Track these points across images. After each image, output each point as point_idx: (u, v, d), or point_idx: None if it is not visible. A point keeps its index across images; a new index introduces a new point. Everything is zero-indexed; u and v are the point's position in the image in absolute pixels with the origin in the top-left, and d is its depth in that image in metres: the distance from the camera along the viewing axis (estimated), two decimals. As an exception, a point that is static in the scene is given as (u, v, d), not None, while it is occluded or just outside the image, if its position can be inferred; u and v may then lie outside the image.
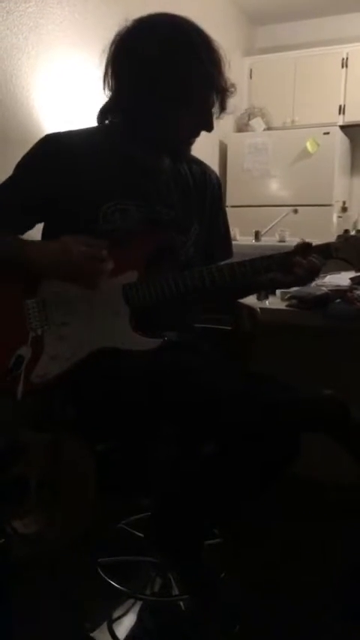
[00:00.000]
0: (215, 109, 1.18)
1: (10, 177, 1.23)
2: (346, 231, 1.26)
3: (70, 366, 1.18)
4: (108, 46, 1.17)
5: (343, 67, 4.22)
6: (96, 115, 1.24)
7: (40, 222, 1.27)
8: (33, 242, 1.20)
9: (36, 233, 1.29)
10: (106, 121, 1.24)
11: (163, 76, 1.11)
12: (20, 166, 1.23)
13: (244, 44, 4.60)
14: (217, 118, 1.20)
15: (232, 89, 1.17)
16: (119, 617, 1.41)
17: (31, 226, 1.26)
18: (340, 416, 1.28)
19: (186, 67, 1.11)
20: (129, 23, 1.16)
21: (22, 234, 1.24)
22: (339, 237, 1.21)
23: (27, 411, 1.28)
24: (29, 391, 1.17)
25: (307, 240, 1.22)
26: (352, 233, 1.25)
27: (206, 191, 1.35)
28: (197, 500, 1.22)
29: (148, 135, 1.20)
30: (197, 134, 1.22)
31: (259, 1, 4.41)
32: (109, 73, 1.18)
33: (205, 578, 1.38)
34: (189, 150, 1.26)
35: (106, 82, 1.19)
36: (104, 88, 1.20)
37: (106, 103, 1.22)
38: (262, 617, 1.37)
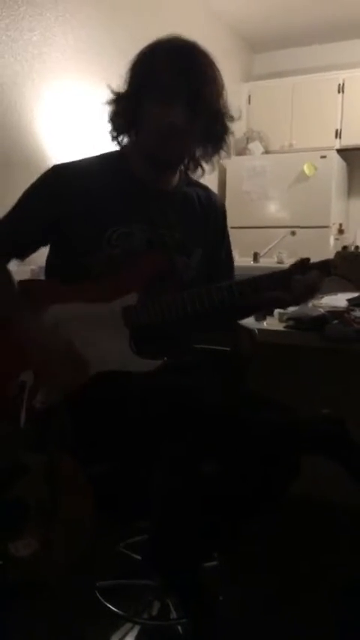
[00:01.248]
0: (217, 131, 1.21)
1: (16, 206, 1.26)
2: (345, 247, 1.26)
3: (72, 391, 1.18)
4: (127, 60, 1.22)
5: (339, 92, 4.31)
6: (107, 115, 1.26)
7: (46, 245, 1.30)
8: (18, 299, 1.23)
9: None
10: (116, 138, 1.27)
11: (140, 76, 1.17)
12: (26, 196, 1.26)
13: (242, 70, 4.70)
14: (216, 144, 1.23)
15: (232, 114, 1.21)
16: (117, 642, 1.39)
17: (35, 250, 1.29)
18: (339, 436, 1.28)
19: (154, 64, 1.16)
20: (151, 42, 1.21)
21: (25, 259, 1.27)
22: (337, 253, 1.20)
23: (26, 433, 1.29)
24: (31, 417, 1.18)
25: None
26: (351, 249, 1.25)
27: (210, 215, 1.37)
28: (196, 523, 1.21)
29: (140, 145, 1.23)
30: (177, 139, 1.19)
31: (258, 29, 4.53)
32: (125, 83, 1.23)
33: (203, 601, 1.37)
34: (177, 159, 1.26)
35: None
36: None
37: (114, 107, 1.25)
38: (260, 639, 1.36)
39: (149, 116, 1.18)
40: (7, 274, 1.25)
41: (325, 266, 1.18)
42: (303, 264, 1.18)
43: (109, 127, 1.25)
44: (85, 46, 2.93)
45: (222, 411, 1.11)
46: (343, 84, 4.29)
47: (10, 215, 1.25)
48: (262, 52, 4.87)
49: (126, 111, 1.21)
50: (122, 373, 1.18)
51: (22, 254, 1.28)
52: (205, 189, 1.39)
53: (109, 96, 1.23)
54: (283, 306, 1.69)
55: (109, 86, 1.23)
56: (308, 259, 1.19)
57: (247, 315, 1.55)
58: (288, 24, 4.39)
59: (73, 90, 2.86)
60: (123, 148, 1.27)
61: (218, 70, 1.20)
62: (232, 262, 1.45)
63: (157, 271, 1.23)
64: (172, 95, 1.15)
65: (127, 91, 1.21)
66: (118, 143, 1.27)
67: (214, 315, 1.28)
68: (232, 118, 1.23)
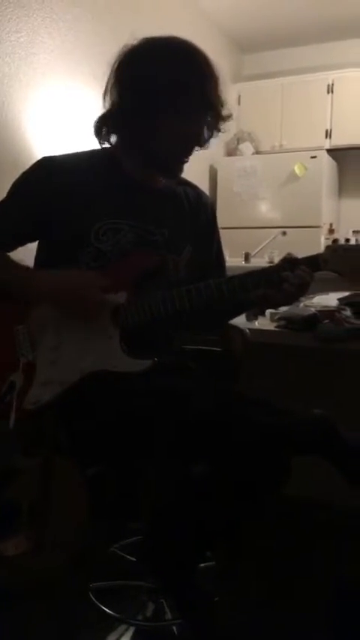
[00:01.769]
0: (211, 128, 1.20)
1: (5, 199, 1.25)
2: (335, 241, 1.24)
3: (62, 391, 1.18)
4: (113, 60, 1.20)
5: (328, 92, 4.33)
6: (92, 125, 1.25)
7: (34, 241, 1.29)
8: (42, 273, 1.23)
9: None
10: (99, 134, 1.25)
11: (160, 89, 1.13)
12: (15, 187, 1.25)
13: (232, 71, 4.71)
14: (212, 137, 1.22)
15: (228, 111, 1.20)
16: (112, 644, 1.39)
17: (22, 244, 1.28)
18: (330, 436, 1.28)
19: (182, 82, 1.14)
20: (135, 41, 1.19)
21: (12, 251, 1.26)
22: (327, 247, 1.18)
23: (19, 435, 1.28)
24: (22, 418, 1.17)
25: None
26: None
27: (200, 213, 1.37)
28: (190, 523, 1.21)
29: (142, 149, 1.21)
30: (189, 151, 1.22)
31: (247, 30, 4.54)
32: (109, 87, 1.21)
33: (198, 602, 1.37)
34: (181, 169, 1.27)
35: (107, 94, 1.21)
36: (104, 101, 1.22)
37: (104, 113, 1.23)
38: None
39: (166, 129, 1.17)
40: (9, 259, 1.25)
41: (314, 261, 1.16)
42: (291, 261, 1.16)
43: (98, 125, 1.24)
44: (72, 46, 2.93)
45: (213, 412, 1.11)
46: (333, 84, 4.32)
47: None
48: (252, 52, 4.89)
49: (131, 119, 1.18)
50: (112, 373, 1.18)
51: (10, 246, 1.26)
52: (194, 187, 1.39)
53: (111, 100, 1.21)
54: (274, 304, 1.68)
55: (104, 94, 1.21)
56: (296, 257, 1.18)
57: (238, 314, 1.54)
58: (277, 25, 4.41)
59: (60, 91, 2.85)
60: (112, 145, 1.26)
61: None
62: (224, 260, 1.45)
63: (146, 269, 1.23)
64: (191, 111, 1.16)
65: (132, 98, 1.16)
66: (106, 141, 1.26)
67: (203, 314, 1.28)
68: (230, 118, 1.23)
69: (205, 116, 1.19)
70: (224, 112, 1.20)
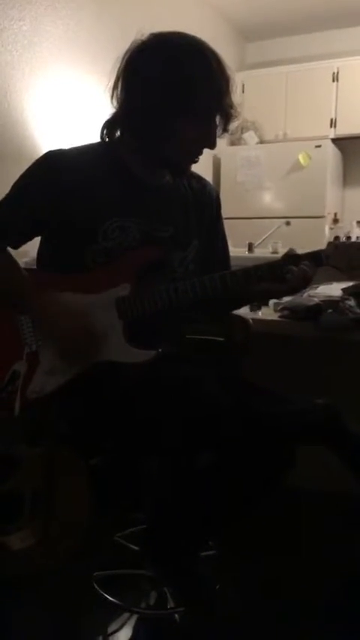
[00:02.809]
0: (219, 128, 1.19)
1: (11, 194, 1.24)
2: (337, 237, 1.25)
3: (65, 381, 1.19)
4: (120, 57, 1.17)
5: (333, 81, 4.29)
6: (100, 127, 1.24)
7: (39, 235, 1.28)
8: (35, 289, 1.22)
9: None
10: (108, 137, 1.24)
11: (172, 91, 1.11)
12: (21, 183, 1.24)
13: (236, 60, 4.67)
14: (219, 137, 1.21)
15: (237, 111, 1.19)
16: (114, 632, 1.40)
17: (28, 240, 1.28)
18: (334, 425, 1.28)
19: (196, 81, 1.12)
20: (144, 37, 1.16)
21: (18, 247, 1.26)
22: (329, 243, 1.20)
23: (22, 425, 1.28)
24: (25, 406, 1.18)
25: (300, 251, 1.22)
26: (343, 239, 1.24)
27: (205, 207, 1.36)
28: (192, 513, 1.22)
29: (152, 151, 1.20)
30: (200, 152, 1.22)
31: (251, 18, 4.49)
32: (118, 86, 1.18)
33: (200, 590, 1.38)
34: (190, 167, 1.27)
35: (115, 94, 1.19)
36: (111, 100, 1.20)
37: (113, 115, 1.22)
38: (259, 629, 1.37)
39: (178, 132, 1.15)
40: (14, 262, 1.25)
41: (317, 256, 1.19)
42: (294, 257, 1.18)
43: (109, 125, 1.22)
44: (75, 35, 2.91)
45: (217, 402, 1.11)
46: (338, 72, 4.27)
47: (4, 203, 1.23)
48: (256, 40, 4.84)
49: (143, 121, 1.16)
50: (117, 364, 1.18)
51: (18, 243, 1.26)
52: (200, 179, 1.38)
53: (120, 99, 1.18)
54: (277, 297, 1.69)
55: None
56: (296, 252, 1.20)
57: (241, 306, 1.55)
58: (281, 12, 4.36)
59: (63, 79, 2.84)
60: (115, 140, 1.25)
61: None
62: (228, 253, 1.45)
63: (150, 262, 1.22)
64: (205, 116, 1.16)
65: (143, 101, 1.14)
66: (110, 137, 1.24)
67: (207, 306, 1.28)
68: (237, 118, 1.22)
69: (217, 119, 1.18)
70: (233, 113, 1.19)
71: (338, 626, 1.38)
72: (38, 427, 1.29)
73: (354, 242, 1.22)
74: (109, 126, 1.23)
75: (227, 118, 1.18)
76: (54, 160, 1.22)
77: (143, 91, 1.14)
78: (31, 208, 1.21)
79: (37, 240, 1.30)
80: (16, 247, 1.26)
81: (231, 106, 1.17)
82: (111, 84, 1.19)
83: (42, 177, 1.21)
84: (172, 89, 1.11)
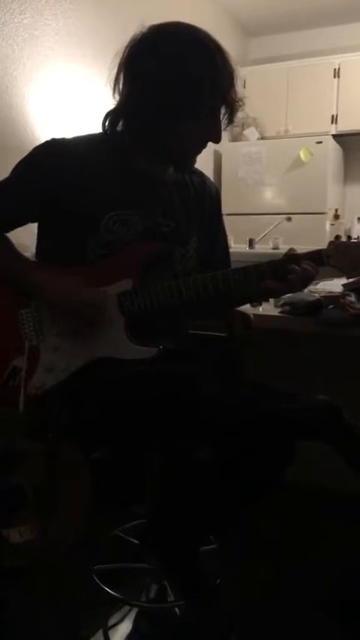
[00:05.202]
0: (223, 121, 1.18)
1: (10, 177, 1.22)
2: (337, 237, 1.26)
3: (66, 377, 1.18)
4: (121, 50, 1.15)
5: (335, 77, 4.27)
6: (101, 119, 1.22)
7: (34, 222, 1.26)
8: (43, 270, 1.21)
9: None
10: (111, 128, 1.22)
11: (176, 90, 1.10)
12: (22, 167, 1.22)
13: (238, 55, 4.63)
14: (224, 129, 1.20)
15: (241, 102, 1.18)
16: (115, 625, 1.41)
17: (23, 224, 1.26)
18: (335, 422, 1.28)
19: (200, 77, 1.10)
20: (145, 29, 1.15)
21: (11, 231, 1.25)
22: (330, 243, 1.21)
23: (23, 420, 1.28)
24: (26, 402, 1.18)
25: (301, 247, 1.22)
26: (344, 239, 1.24)
27: (206, 203, 1.35)
28: (193, 507, 1.22)
29: (156, 145, 1.19)
30: (204, 145, 1.21)
31: (252, 13, 4.47)
32: (120, 78, 1.17)
33: (201, 584, 1.38)
34: (194, 161, 1.26)
35: (117, 86, 1.18)
36: (113, 93, 1.19)
37: (115, 108, 1.20)
38: (258, 623, 1.37)
39: (183, 127, 1.15)
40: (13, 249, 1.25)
41: (318, 256, 1.19)
42: (295, 257, 1.18)
43: (111, 118, 1.20)
44: (76, 28, 2.89)
45: (217, 397, 1.11)
46: (339, 68, 4.26)
47: (3, 187, 1.22)
48: (258, 36, 4.82)
49: (147, 116, 1.14)
50: (119, 360, 1.18)
51: (11, 226, 1.25)
52: (200, 174, 1.38)
53: (122, 92, 1.17)
54: (278, 296, 1.69)
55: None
56: (297, 252, 1.20)
57: (242, 304, 1.55)
58: (283, 8, 4.34)
59: (64, 72, 2.82)
60: (118, 132, 1.23)
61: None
62: (228, 250, 1.45)
63: (152, 257, 1.22)
64: (211, 110, 1.15)
65: (146, 95, 1.12)
66: (112, 129, 1.22)
67: (209, 303, 1.27)
68: (241, 109, 1.22)
69: (222, 113, 1.17)
70: (238, 105, 1.18)
71: (341, 622, 1.39)
72: (40, 422, 1.29)
73: (355, 242, 1.22)
74: (112, 117, 1.21)
75: (232, 111, 1.17)
76: (58, 146, 1.20)
77: (145, 89, 1.13)
78: (32, 192, 1.20)
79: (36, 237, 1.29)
80: (8, 229, 1.26)
81: (235, 98, 1.16)
82: (112, 77, 1.17)
83: (45, 162, 1.19)
84: (175, 88, 1.10)
